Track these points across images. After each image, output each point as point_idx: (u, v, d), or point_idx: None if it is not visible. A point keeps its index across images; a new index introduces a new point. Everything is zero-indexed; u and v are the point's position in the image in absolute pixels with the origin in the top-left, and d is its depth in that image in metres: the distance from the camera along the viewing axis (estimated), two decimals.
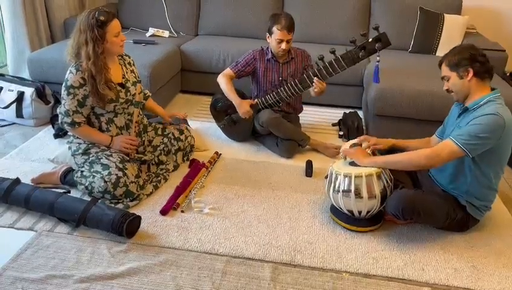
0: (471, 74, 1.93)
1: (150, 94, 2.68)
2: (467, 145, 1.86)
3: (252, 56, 2.90)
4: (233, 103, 2.83)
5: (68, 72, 2.21)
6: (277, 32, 2.71)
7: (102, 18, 2.12)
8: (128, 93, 2.35)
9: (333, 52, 2.53)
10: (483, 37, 3.71)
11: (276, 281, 1.81)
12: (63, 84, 2.22)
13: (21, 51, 3.43)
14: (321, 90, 2.68)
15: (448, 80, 2.02)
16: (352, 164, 2.15)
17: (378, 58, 2.44)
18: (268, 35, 2.81)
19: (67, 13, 3.84)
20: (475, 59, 1.93)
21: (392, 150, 2.25)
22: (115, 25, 2.18)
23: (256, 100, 2.89)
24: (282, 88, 2.76)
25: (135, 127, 2.47)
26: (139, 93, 2.46)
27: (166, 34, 3.95)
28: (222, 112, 2.99)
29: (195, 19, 4.13)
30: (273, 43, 2.78)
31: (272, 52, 2.86)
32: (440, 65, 2.05)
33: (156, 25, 4.03)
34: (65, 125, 2.27)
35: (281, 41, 2.73)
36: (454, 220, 2.05)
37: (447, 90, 2.04)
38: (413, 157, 1.98)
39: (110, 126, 2.35)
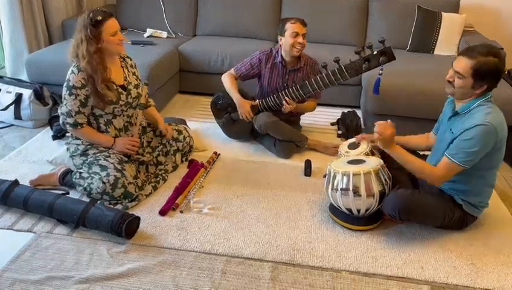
0: (483, 89, 1.89)
1: (154, 104, 2.65)
2: (465, 162, 1.90)
3: (258, 58, 2.86)
4: (234, 101, 2.83)
5: (70, 72, 2.21)
6: (291, 26, 2.66)
7: (97, 17, 2.13)
8: (129, 96, 2.34)
9: (337, 62, 2.51)
10: (481, 35, 3.71)
11: (276, 280, 1.81)
12: (65, 84, 2.21)
13: (19, 52, 3.43)
14: (291, 110, 2.74)
15: (459, 78, 1.88)
16: (351, 162, 2.15)
17: (380, 71, 2.44)
18: (280, 37, 2.75)
19: (65, 15, 3.84)
20: (498, 80, 1.88)
21: None
22: (111, 24, 2.17)
23: (257, 101, 2.88)
24: (283, 92, 2.75)
25: (138, 129, 2.46)
26: (144, 96, 2.46)
27: (164, 34, 3.94)
28: (222, 110, 2.99)
29: (193, 20, 4.13)
30: (288, 40, 2.69)
31: (281, 56, 2.81)
32: (463, 56, 1.87)
33: (154, 26, 4.03)
34: (67, 126, 2.26)
35: (296, 34, 2.66)
36: (452, 219, 2.06)
37: (449, 81, 1.94)
38: (426, 171, 2.01)
39: (109, 128, 2.34)
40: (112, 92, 2.25)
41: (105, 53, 2.22)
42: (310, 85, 2.64)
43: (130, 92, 2.35)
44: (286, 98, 2.69)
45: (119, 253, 1.93)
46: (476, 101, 1.92)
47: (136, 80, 2.44)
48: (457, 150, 1.90)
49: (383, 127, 2.02)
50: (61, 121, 2.29)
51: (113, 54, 2.28)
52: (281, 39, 2.76)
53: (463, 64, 1.87)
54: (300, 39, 2.68)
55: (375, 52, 2.45)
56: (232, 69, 2.95)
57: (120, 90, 2.30)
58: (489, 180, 2.04)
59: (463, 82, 1.88)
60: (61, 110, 2.27)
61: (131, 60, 2.48)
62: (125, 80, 2.35)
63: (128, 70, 2.40)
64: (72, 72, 2.20)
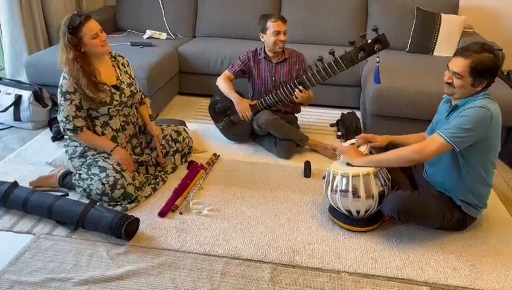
0: (483, 86, 1.90)
1: (150, 104, 2.62)
2: (453, 138, 1.86)
3: (247, 56, 2.93)
4: (232, 101, 2.84)
5: (62, 77, 2.21)
6: (272, 25, 2.73)
7: (74, 23, 2.11)
8: (123, 95, 2.34)
9: (332, 54, 2.53)
10: (481, 36, 3.71)
11: (275, 281, 1.80)
12: (59, 91, 2.21)
13: (18, 54, 3.43)
14: (304, 100, 2.73)
15: (458, 78, 1.88)
16: (350, 163, 2.15)
17: (377, 59, 2.45)
18: (262, 34, 2.81)
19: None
20: (495, 76, 1.88)
21: (388, 148, 2.25)
22: (90, 26, 2.14)
23: (255, 101, 2.89)
24: (281, 89, 2.76)
25: (134, 129, 2.46)
26: (139, 92, 2.47)
27: (163, 36, 3.95)
28: (221, 113, 2.99)
29: (193, 21, 4.13)
30: (269, 38, 2.77)
31: (264, 52, 2.87)
32: (458, 56, 1.88)
33: (153, 27, 4.03)
34: (67, 132, 2.25)
35: (278, 32, 2.73)
36: (451, 220, 2.06)
37: (448, 82, 1.94)
38: (403, 153, 1.99)
39: (106, 130, 2.34)
40: (105, 93, 2.24)
41: (91, 56, 2.20)
42: (308, 80, 2.65)
43: (124, 91, 2.34)
44: (297, 89, 2.68)
45: (119, 254, 1.92)
46: (475, 95, 1.93)
47: (129, 78, 2.43)
48: (449, 126, 1.89)
49: (341, 149, 2.25)
50: (61, 129, 2.28)
51: (100, 56, 2.26)
52: (262, 36, 2.82)
53: (459, 64, 1.88)
54: (282, 37, 2.76)
55: (369, 41, 2.45)
56: (226, 70, 2.99)
57: (113, 90, 2.29)
58: (487, 179, 2.03)
59: (462, 82, 1.89)
60: (59, 117, 2.25)
61: (123, 58, 2.46)
62: (117, 80, 2.34)
63: (119, 69, 2.39)
64: (64, 77, 2.20)
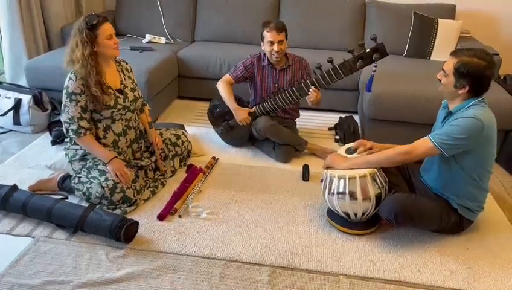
0: (465, 90, 1.92)
1: (149, 110, 2.63)
2: (442, 144, 1.90)
3: (250, 62, 2.91)
4: (231, 109, 2.85)
5: (68, 79, 2.22)
6: (267, 35, 2.73)
7: (93, 21, 2.15)
8: (127, 100, 2.36)
9: (331, 62, 2.54)
10: (477, 41, 3.74)
11: (274, 284, 1.81)
12: (64, 92, 2.22)
13: (18, 58, 3.44)
14: (317, 100, 2.71)
15: (444, 76, 1.97)
16: None
17: (374, 68, 2.47)
18: (262, 43, 2.82)
19: (64, 20, 3.85)
20: (480, 83, 1.90)
21: None
22: (106, 27, 2.19)
23: (254, 108, 2.90)
24: (279, 95, 2.78)
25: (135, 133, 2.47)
26: (140, 98, 2.48)
27: (163, 40, 3.97)
28: (220, 118, 3.00)
29: (192, 26, 4.15)
30: (266, 47, 2.78)
31: (268, 58, 2.88)
32: (450, 55, 1.95)
33: (152, 32, 4.05)
34: (70, 133, 2.24)
35: (272, 43, 2.72)
36: (448, 223, 2.07)
37: (439, 79, 2.01)
38: (391, 154, 2.02)
39: (108, 133, 2.35)
40: (109, 96, 2.26)
41: (100, 57, 2.23)
42: (306, 87, 2.66)
43: (127, 95, 2.36)
44: (312, 87, 2.65)
45: (118, 257, 1.93)
46: (469, 102, 1.95)
47: (132, 83, 2.45)
48: (440, 132, 1.93)
49: (325, 164, 2.22)
50: (64, 130, 2.28)
51: (108, 58, 2.28)
52: (262, 45, 2.82)
53: (448, 62, 1.95)
54: (275, 47, 2.72)
55: (368, 50, 2.47)
56: (227, 74, 2.98)
57: (117, 94, 2.31)
58: (482, 184, 2.05)
59: (446, 80, 1.96)
60: (63, 118, 2.26)
61: (127, 63, 2.49)
62: (121, 84, 2.36)
63: (124, 74, 2.41)
64: (70, 78, 2.21)
